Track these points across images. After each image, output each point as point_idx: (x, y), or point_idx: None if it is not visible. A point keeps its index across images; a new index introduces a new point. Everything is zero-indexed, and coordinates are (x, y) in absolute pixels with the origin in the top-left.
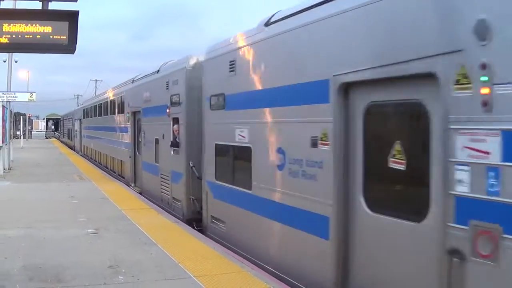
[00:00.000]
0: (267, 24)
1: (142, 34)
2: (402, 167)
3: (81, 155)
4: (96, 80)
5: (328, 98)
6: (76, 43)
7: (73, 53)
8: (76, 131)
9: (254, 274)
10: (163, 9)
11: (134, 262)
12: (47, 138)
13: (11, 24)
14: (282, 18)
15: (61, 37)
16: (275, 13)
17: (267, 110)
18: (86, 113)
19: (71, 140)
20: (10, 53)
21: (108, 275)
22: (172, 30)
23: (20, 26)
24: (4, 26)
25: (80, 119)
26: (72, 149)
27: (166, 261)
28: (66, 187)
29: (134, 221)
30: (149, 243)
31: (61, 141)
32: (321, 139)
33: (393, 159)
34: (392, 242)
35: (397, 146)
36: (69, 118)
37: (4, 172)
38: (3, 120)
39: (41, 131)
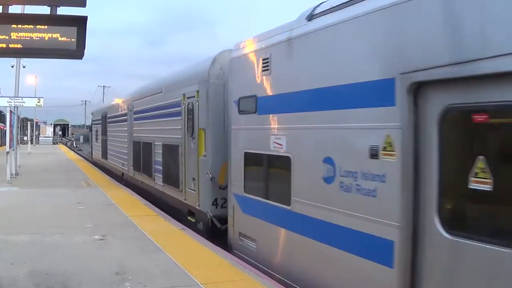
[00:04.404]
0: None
1: (155, 40)
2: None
3: None
4: (104, 86)
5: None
6: (85, 49)
7: (81, 58)
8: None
9: (262, 282)
10: (177, 15)
11: (141, 269)
12: (54, 143)
13: (19, 29)
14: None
15: (70, 42)
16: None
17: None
18: None
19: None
20: (18, 58)
21: (115, 282)
22: (186, 37)
23: (28, 31)
24: (12, 31)
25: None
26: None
27: (173, 268)
28: (73, 193)
29: (141, 228)
30: (156, 250)
31: (98, 164)
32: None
33: None
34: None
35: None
36: (144, 112)
37: (11, 177)
38: (11, 126)
39: (49, 137)
